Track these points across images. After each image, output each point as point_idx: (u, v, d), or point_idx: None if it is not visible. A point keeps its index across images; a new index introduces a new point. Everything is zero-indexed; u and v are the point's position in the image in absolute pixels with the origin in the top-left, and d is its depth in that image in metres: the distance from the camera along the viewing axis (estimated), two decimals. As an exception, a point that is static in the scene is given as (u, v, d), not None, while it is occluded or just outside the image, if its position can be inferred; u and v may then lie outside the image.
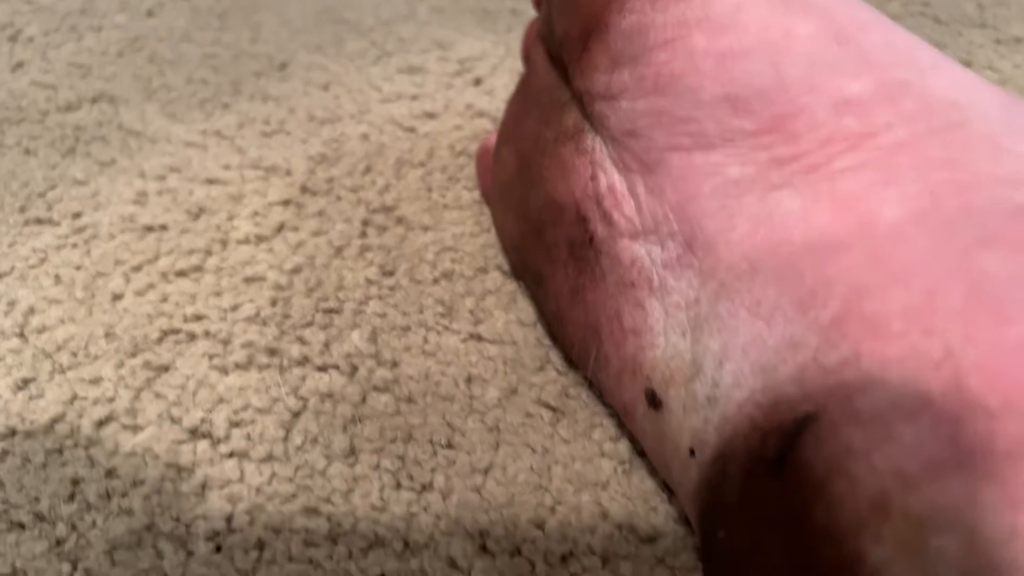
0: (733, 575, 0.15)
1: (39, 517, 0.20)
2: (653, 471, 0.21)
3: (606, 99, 0.20)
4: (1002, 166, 0.16)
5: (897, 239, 0.16)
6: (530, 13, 0.36)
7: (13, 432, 0.22)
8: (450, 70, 0.33)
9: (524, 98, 0.25)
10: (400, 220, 0.27)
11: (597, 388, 0.22)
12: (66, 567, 0.19)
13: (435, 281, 0.25)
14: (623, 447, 0.22)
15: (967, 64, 0.33)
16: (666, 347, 0.19)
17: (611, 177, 0.21)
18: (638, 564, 0.19)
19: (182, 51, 0.35)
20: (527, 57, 0.25)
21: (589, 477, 0.21)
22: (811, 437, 0.14)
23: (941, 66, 0.18)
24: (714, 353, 0.18)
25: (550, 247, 0.22)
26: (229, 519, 0.20)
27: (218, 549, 0.19)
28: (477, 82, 0.33)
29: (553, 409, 0.22)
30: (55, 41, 0.36)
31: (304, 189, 0.28)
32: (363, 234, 0.27)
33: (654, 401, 0.19)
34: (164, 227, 0.27)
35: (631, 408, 0.20)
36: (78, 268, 0.26)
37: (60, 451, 0.21)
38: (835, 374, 0.14)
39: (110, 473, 0.21)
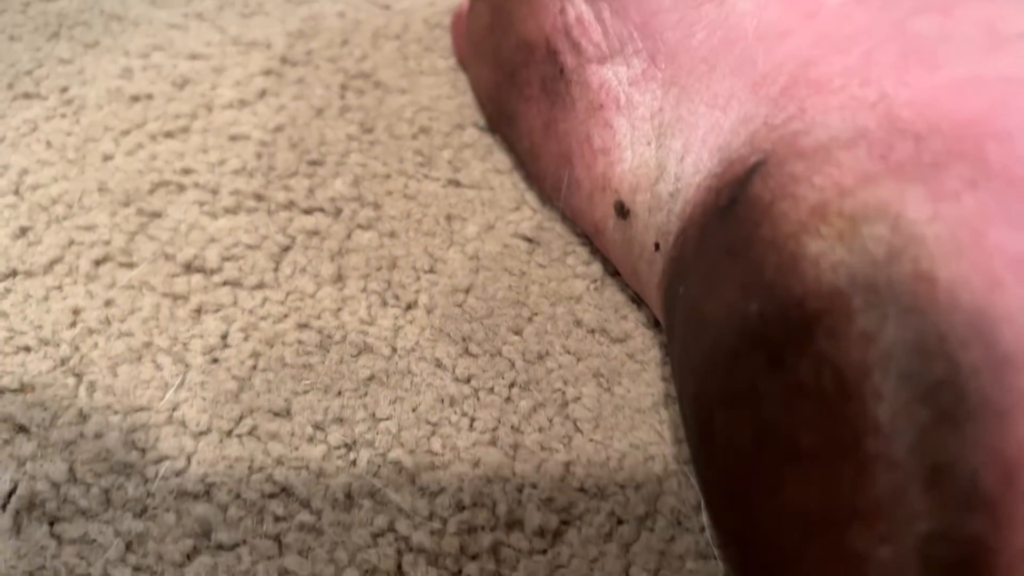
0: (693, 323, 0.16)
1: (43, 341, 0.21)
2: (624, 287, 0.22)
3: None
4: None
5: (839, 18, 0.17)
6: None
7: (14, 272, 0.23)
8: (423, -46, 0.34)
9: None
10: (378, 84, 0.28)
11: (570, 215, 0.23)
12: (71, 380, 0.20)
13: (414, 136, 0.27)
14: (595, 268, 0.23)
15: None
16: (633, 159, 0.20)
17: (578, 8, 0.22)
18: (609, 360, 0.21)
19: (159, -55, 0.35)
20: None
21: (564, 293, 0.22)
22: (759, 176, 0.15)
23: None
24: (676, 152, 0.19)
25: (523, 87, 0.24)
26: (224, 336, 0.21)
27: (215, 361, 0.21)
28: (450, -37, 0.33)
29: (529, 240, 0.24)
30: (32, -58, 0.36)
31: (284, 60, 0.29)
32: (342, 97, 0.28)
33: (623, 211, 0.20)
34: (150, 96, 0.28)
35: (602, 225, 0.21)
36: (68, 134, 0.27)
37: (60, 287, 0.23)
38: (782, 127, 0.16)
39: (108, 303, 0.22)
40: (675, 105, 0.19)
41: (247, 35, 0.30)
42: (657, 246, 0.19)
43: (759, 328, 0.13)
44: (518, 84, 0.24)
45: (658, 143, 0.20)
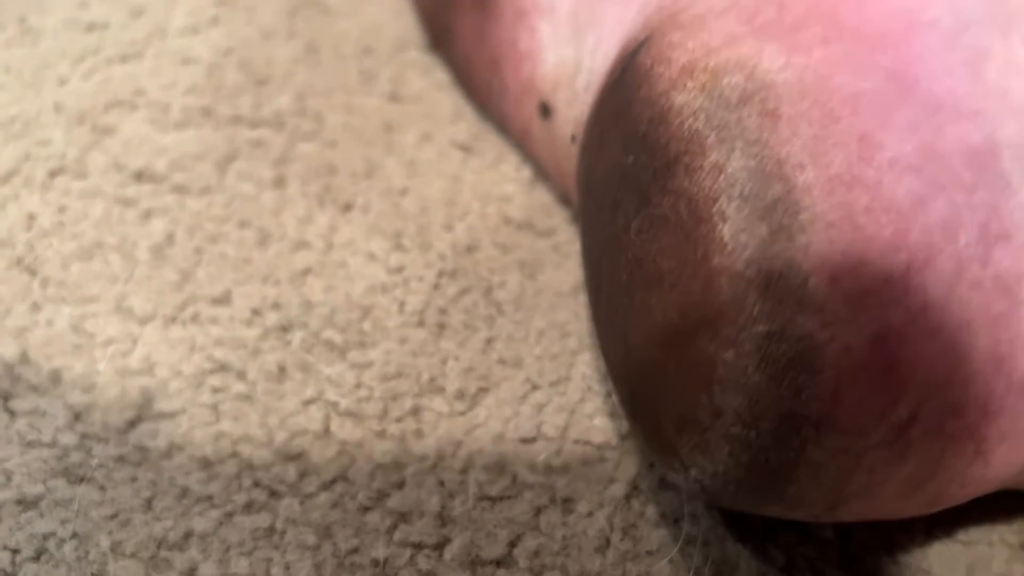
0: (586, 185, 0.17)
1: (1, 243, 0.23)
2: (552, 189, 0.24)
3: None
4: None
5: None
6: None
7: (-28, 184, 0.24)
8: None
9: None
10: (324, 9, 0.29)
11: (501, 122, 0.24)
12: (26, 276, 0.22)
13: (356, 56, 0.28)
14: (526, 173, 0.24)
15: None
16: (554, 59, 0.21)
17: None
18: (534, 252, 0.22)
19: None
20: None
21: (495, 194, 0.24)
22: (644, 48, 0.16)
23: None
24: (590, 47, 0.20)
25: (458, 1, 0.25)
26: (171, 236, 0.22)
27: (161, 257, 0.22)
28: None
29: (465, 148, 0.25)
30: None
31: (235, -11, 0.30)
32: (290, 22, 0.29)
33: (546, 110, 0.22)
34: (106, 25, 0.29)
35: (529, 126, 0.23)
36: (25, 60, 0.28)
37: (16, 196, 0.24)
38: (670, 7, 0.17)
39: (62, 209, 0.23)
40: (589, 4, 0.20)
41: (200, -33, 0.31)
42: (573, 138, 0.20)
43: (633, 174, 0.15)
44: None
45: (576, 42, 0.21)
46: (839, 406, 0.12)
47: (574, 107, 0.21)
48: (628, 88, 0.16)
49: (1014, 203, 0.13)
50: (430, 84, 0.27)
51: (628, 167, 0.15)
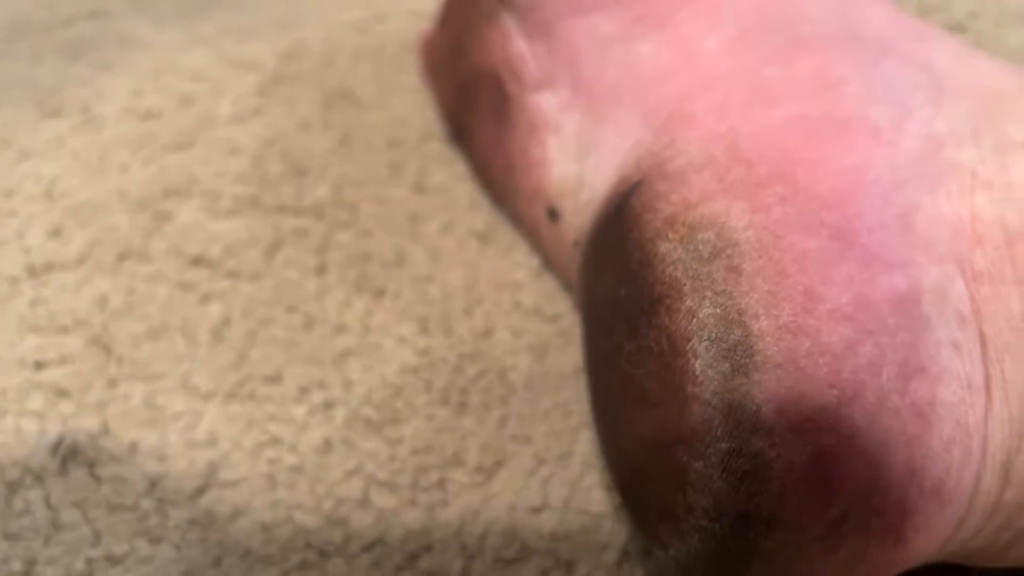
0: (587, 302, 0.21)
1: (78, 323, 0.26)
2: (557, 277, 0.27)
3: None
4: (794, 10, 0.22)
5: (711, 63, 0.22)
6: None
7: (51, 266, 0.27)
8: (398, -18, 0.39)
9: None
10: (356, 102, 0.33)
11: (514, 217, 0.28)
12: (102, 354, 0.25)
13: (386, 148, 0.31)
14: (535, 262, 0.28)
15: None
16: (561, 171, 0.25)
17: (518, 44, 0.26)
18: (541, 336, 0.25)
19: (164, -26, 0.40)
20: None
21: (508, 281, 0.27)
22: (635, 192, 0.19)
23: None
24: (591, 167, 0.23)
25: (476, 108, 0.28)
26: (227, 319, 0.26)
27: (219, 339, 0.25)
28: (421, -9, 0.38)
29: (481, 238, 0.28)
30: (50, -30, 0.41)
31: (275, 80, 0.34)
32: (325, 114, 0.32)
33: (553, 214, 0.25)
34: (160, 114, 0.32)
35: (538, 225, 0.26)
36: (90, 148, 0.31)
37: (89, 279, 0.27)
38: (659, 153, 0.20)
39: (130, 291, 0.27)
40: (591, 129, 0.24)
41: (243, 58, 0.35)
42: (575, 244, 0.24)
43: (625, 307, 0.18)
44: (472, 105, 0.28)
45: (579, 159, 0.24)
46: (785, 508, 0.16)
47: (576, 217, 0.24)
48: (622, 227, 0.19)
49: (931, 340, 0.16)
50: (451, 176, 0.30)
51: (621, 298, 0.18)
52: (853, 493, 0.16)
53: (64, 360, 0.25)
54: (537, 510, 0.22)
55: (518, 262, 0.27)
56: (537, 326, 0.26)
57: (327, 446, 0.23)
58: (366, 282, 0.27)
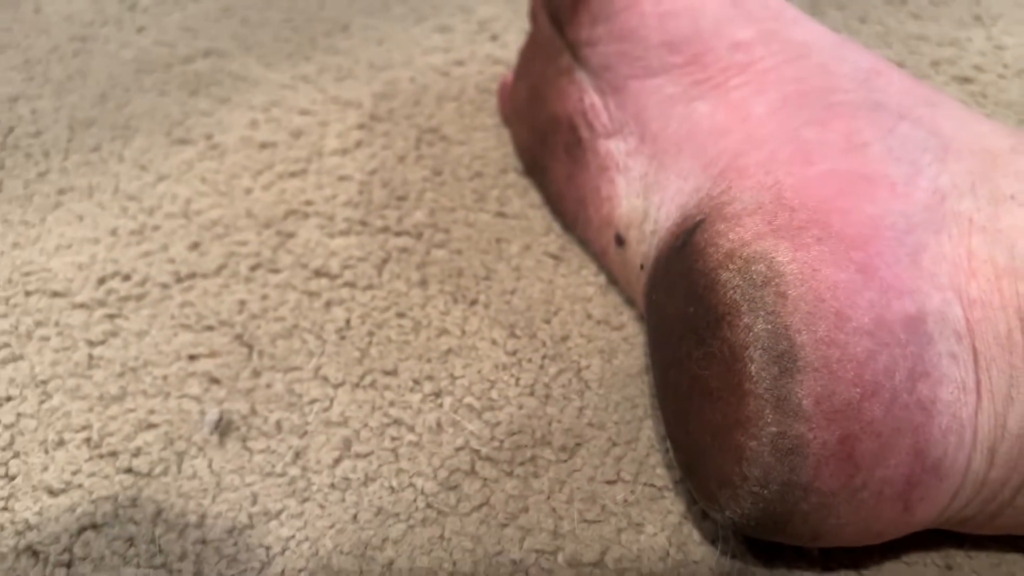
0: (658, 317, 0.25)
1: (222, 323, 0.31)
2: (621, 292, 0.32)
3: (589, 46, 0.30)
4: (827, 81, 0.27)
5: (760, 124, 0.26)
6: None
7: (193, 275, 0.32)
8: (472, 29, 0.43)
9: (532, 46, 0.35)
10: (443, 138, 0.38)
11: (584, 241, 0.32)
12: (245, 350, 0.30)
13: (471, 179, 0.36)
14: (602, 278, 0.32)
15: (863, 20, 0.44)
16: (628, 205, 0.29)
17: (592, 98, 0.31)
18: (610, 342, 0.30)
19: (266, 16, 0.45)
20: (534, 16, 0.35)
21: (579, 295, 0.32)
22: (699, 229, 0.24)
23: (799, 19, 0.29)
24: (655, 204, 0.28)
25: (551, 148, 0.33)
26: (348, 321, 0.31)
27: (343, 338, 0.30)
28: (494, 38, 0.43)
29: (555, 257, 0.33)
30: (164, 11, 0.46)
31: (372, 117, 0.39)
32: (417, 148, 0.37)
33: (620, 241, 0.30)
34: (274, 144, 0.37)
35: (606, 250, 0.31)
36: (217, 172, 0.36)
37: (228, 286, 0.32)
38: (717, 198, 0.25)
39: (264, 297, 0.32)
40: (656, 172, 0.28)
41: (343, 96, 0.40)
42: (642, 267, 0.28)
43: (693, 321, 0.23)
44: (548, 145, 0.33)
45: (645, 196, 0.29)
46: (818, 477, 0.20)
47: (642, 244, 0.29)
48: (689, 257, 0.24)
49: (934, 352, 0.21)
50: (527, 203, 0.35)
51: (690, 315, 0.23)
52: (871, 467, 0.20)
53: (213, 354, 0.30)
54: (612, 482, 0.26)
55: (587, 279, 0.32)
56: (606, 333, 0.30)
57: (439, 427, 0.28)
58: (460, 293, 0.32)
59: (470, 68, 0.41)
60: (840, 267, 0.22)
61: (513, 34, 0.43)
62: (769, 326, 0.21)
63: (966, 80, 0.40)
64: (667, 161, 0.28)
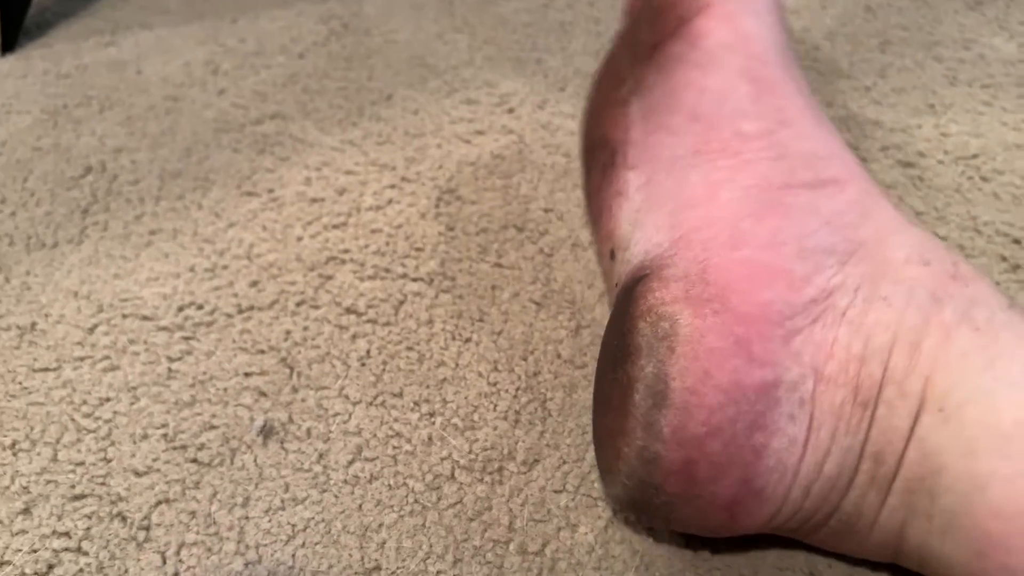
0: (606, 334, 0.32)
1: (271, 347, 0.38)
2: (590, 335, 0.39)
3: (647, 87, 0.36)
4: (787, 181, 0.31)
5: (720, 207, 0.31)
6: (550, 63, 0.53)
7: (252, 307, 0.40)
8: (494, 102, 0.51)
9: (608, 67, 0.41)
10: (458, 197, 0.45)
11: (596, 246, 0.39)
12: (287, 370, 0.38)
13: (477, 233, 0.43)
14: (573, 323, 0.39)
15: (830, 104, 0.49)
16: (623, 230, 0.35)
17: (633, 133, 0.37)
18: (572, 379, 0.37)
19: (324, 84, 0.53)
20: (618, 44, 0.41)
21: (553, 338, 0.38)
22: (643, 280, 0.30)
23: (796, 122, 0.34)
24: (636, 239, 0.33)
25: (595, 160, 0.39)
26: (368, 352, 0.38)
27: (363, 364, 0.38)
28: (510, 111, 0.50)
29: (538, 304, 0.40)
30: (241, 74, 0.54)
31: (403, 178, 0.46)
32: (437, 206, 0.44)
33: (612, 255, 0.36)
34: (323, 199, 0.45)
35: (604, 257, 0.37)
36: (275, 222, 0.44)
37: (277, 318, 0.40)
38: (663, 258, 0.31)
39: (305, 329, 0.39)
40: (645, 213, 0.33)
41: (381, 159, 0.47)
42: (617, 285, 0.35)
43: (615, 350, 0.29)
44: (593, 156, 0.39)
45: (633, 228, 0.34)
46: (666, 483, 0.27)
47: (622, 265, 0.34)
48: (629, 300, 0.30)
49: (777, 411, 0.27)
50: (520, 255, 0.42)
51: (615, 344, 0.30)
52: (704, 484, 0.27)
53: (263, 372, 0.38)
54: (558, 492, 0.33)
55: (562, 324, 0.39)
56: (570, 371, 0.37)
57: (430, 440, 0.35)
58: (459, 332, 0.39)
59: (488, 137, 0.48)
60: (721, 337, 0.28)
61: (527, 108, 0.50)
62: (655, 371, 0.27)
63: (908, 165, 0.45)
64: (653, 208, 0.33)
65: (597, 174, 0.39)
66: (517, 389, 0.36)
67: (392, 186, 0.46)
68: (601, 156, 0.38)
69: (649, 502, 0.28)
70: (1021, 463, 0.25)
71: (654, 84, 0.36)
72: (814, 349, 0.28)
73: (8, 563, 0.32)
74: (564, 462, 0.34)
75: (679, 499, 0.27)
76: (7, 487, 0.34)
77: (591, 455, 0.34)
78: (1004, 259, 0.40)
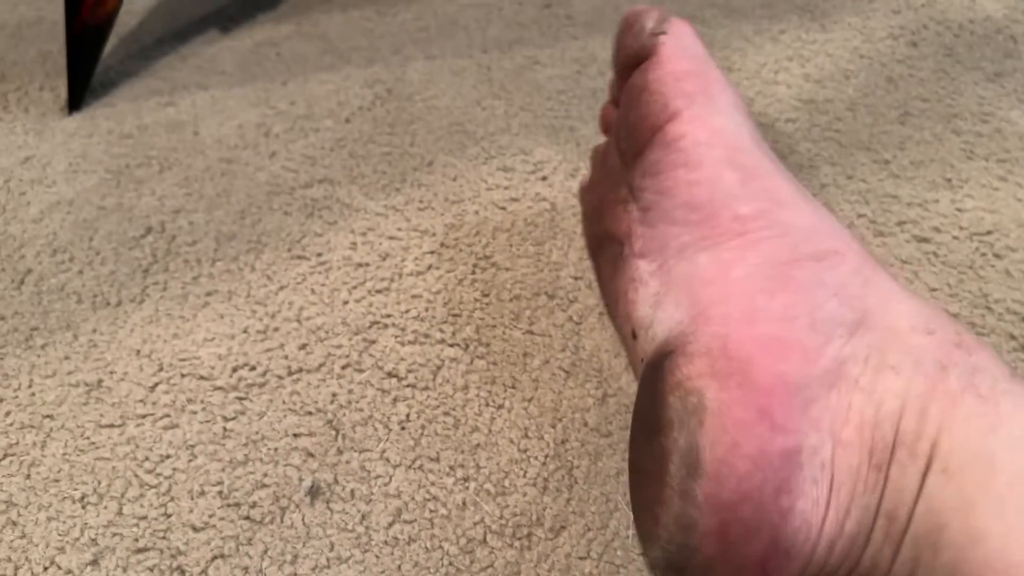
0: (636, 407, 0.34)
1: (319, 409, 0.41)
2: (616, 403, 0.41)
3: (640, 190, 0.38)
4: (792, 257, 0.34)
5: (734, 283, 0.34)
6: (582, 131, 0.55)
7: (300, 370, 0.43)
8: (528, 169, 0.53)
9: (601, 170, 0.43)
10: (494, 264, 0.47)
11: (617, 329, 0.41)
12: (333, 432, 0.40)
13: (510, 300, 0.46)
14: (600, 392, 0.41)
15: (849, 177, 0.51)
16: (642, 312, 0.37)
17: (636, 228, 0.39)
18: (598, 447, 0.39)
19: (369, 149, 0.56)
20: (604, 151, 0.44)
21: (580, 406, 0.41)
22: (669, 358, 0.32)
23: (789, 203, 0.36)
24: (658, 319, 0.35)
25: (603, 253, 0.41)
26: (407, 415, 0.41)
27: (403, 428, 0.40)
28: (544, 179, 0.52)
29: (567, 372, 0.42)
30: (291, 137, 0.57)
31: (443, 244, 0.49)
32: (473, 272, 0.47)
33: (634, 335, 0.38)
34: (367, 264, 0.48)
35: (627, 339, 0.39)
36: (323, 285, 0.47)
37: (324, 381, 0.42)
38: (686, 335, 0.33)
39: (350, 391, 0.42)
40: (663, 296, 0.36)
41: (422, 224, 0.50)
42: (642, 360, 0.37)
43: (648, 422, 0.32)
44: (602, 249, 0.41)
45: (653, 309, 0.37)
46: (703, 546, 0.29)
47: (647, 344, 0.36)
48: (657, 376, 0.32)
49: (800, 476, 0.29)
50: (551, 323, 0.44)
51: (647, 416, 0.32)
52: (738, 545, 0.29)
53: (311, 434, 0.40)
54: (583, 558, 0.35)
55: (589, 392, 0.41)
56: (596, 439, 0.39)
57: (464, 505, 0.37)
58: (492, 398, 0.41)
59: (522, 204, 0.51)
60: (746, 409, 0.30)
61: (560, 176, 0.53)
62: (687, 443, 0.30)
63: (924, 240, 0.47)
64: (671, 290, 0.36)
65: (608, 265, 0.41)
66: (546, 456, 0.39)
67: (432, 252, 0.48)
68: (610, 249, 0.41)
69: (687, 564, 0.30)
70: (1013, 521, 0.27)
71: (646, 187, 0.38)
72: (831, 416, 0.30)
73: (78, 611, 0.34)
74: (589, 529, 0.36)
75: (715, 560, 0.30)
76: (77, 538, 0.37)
77: (614, 522, 0.36)
78: (1013, 337, 0.42)
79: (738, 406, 0.30)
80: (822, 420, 0.30)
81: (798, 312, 0.32)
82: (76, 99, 0.62)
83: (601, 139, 0.46)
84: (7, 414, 0.42)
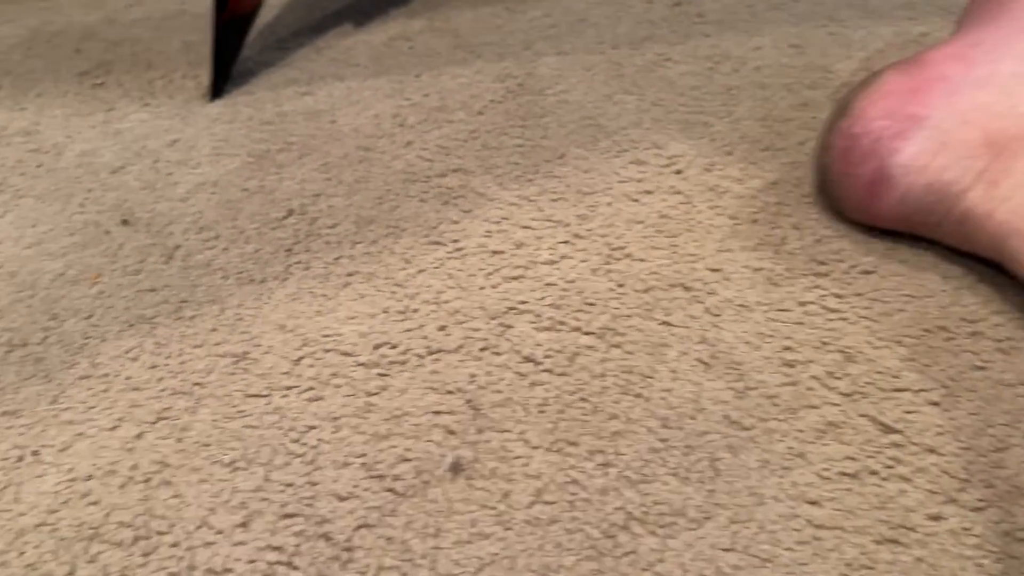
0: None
1: (459, 389, 0.41)
2: (755, 398, 0.40)
3: None
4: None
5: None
6: (716, 127, 0.54)
7: (440, 350, 0.43)
8: (662, 163, 0.52)
9: None
10: (628, 255, 0.47)
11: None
12: (471, 411, 0.40)
13: (645, 291, 0.45)
14: (740, 384, 0.40)
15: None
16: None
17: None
18: (739, 439, 0.38)
19: (502, 141, 0.56)
20: None
21: (719, 398, 0.40)
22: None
23: None
24: None
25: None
26: (545, 400, 0.40)
27: (541, 412, 0.40)
28: (678, 172, 0.52)
29: (705, 364, 0.41)
30: (425, 128, 0.58)
31: (576, 235, 0.48)
32: (607, 263, 0.47)
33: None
34: (502, 252, 0.48)
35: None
36: (459, 270, 0.47)
37: (463, 361, 0.42)
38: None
39: (488, 373, 0.42)
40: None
41: (555, 215, 0.50)
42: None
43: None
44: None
45: None
46: (834, 163, 0.46)
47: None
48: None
49: (919, 133, 0.41)
50: (687, 315, 0.43)
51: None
52: (857, 164, 0.45)
53: (451, 412, 0.40)
54: (727, 550, 0.34)
55: (729, 384, 0.40)
56: (735, 432, 0.38)
57: (604, 490, 0.37)
58: (629, 387, 0.41)
59: (656, 197, 0.50)
60: (903, 84, 0.44)
61: (695, 169, 0.52)
62: (846, 96, 0.46)
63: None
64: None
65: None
66: (686, 447, 0.38)
67: (565, 242, 0.48)
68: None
69: (825, 179, 0.41)
70: None
71: None
72: (967, 106, 0.39)
73: (231, 571, 0.35)
74: (733, 521, 0.35)
75: (840, 176, 0.41)
76: (227, 501, 0.38)
77: (760, 515, 0.35)
78: None
79: (898, 82, 0.42)
80: (958, 106, 0.40)
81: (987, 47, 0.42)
82: (218, 87, 0.64)
83: (737, 135, 0.45)
84: (159, 380, 0.43)
